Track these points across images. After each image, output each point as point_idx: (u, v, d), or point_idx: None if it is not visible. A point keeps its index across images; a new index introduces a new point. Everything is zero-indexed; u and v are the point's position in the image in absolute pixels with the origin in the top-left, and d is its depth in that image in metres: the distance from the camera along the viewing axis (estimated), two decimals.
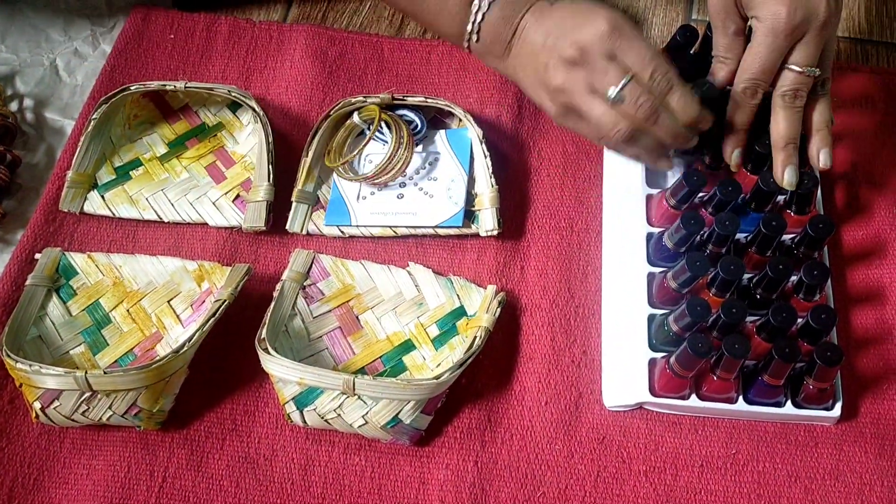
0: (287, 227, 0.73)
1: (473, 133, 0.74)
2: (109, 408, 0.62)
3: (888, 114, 0.79)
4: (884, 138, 0.77)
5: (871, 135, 0.78)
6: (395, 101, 0.75)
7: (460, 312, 0.69)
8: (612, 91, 0.61)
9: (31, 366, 0.61)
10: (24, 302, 0.68)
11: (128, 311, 0.69)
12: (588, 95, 0.62)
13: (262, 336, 0.64)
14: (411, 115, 0.75)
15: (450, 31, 0.69)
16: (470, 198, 0.74)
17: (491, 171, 0.73)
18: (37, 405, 0.62)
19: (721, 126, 0.67)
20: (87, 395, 0.61)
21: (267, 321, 0.65)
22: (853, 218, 0.74)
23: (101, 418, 0.62)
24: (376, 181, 0.73)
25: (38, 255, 0.71)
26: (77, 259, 0.71)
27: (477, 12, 0.66)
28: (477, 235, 0.72)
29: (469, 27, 0.67)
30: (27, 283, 0.69)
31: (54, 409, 0.62)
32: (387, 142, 0.73)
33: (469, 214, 0.73)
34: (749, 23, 0.64)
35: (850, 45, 0.84)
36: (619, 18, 0.62)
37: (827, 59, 0.65)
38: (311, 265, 0.71)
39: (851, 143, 0.77)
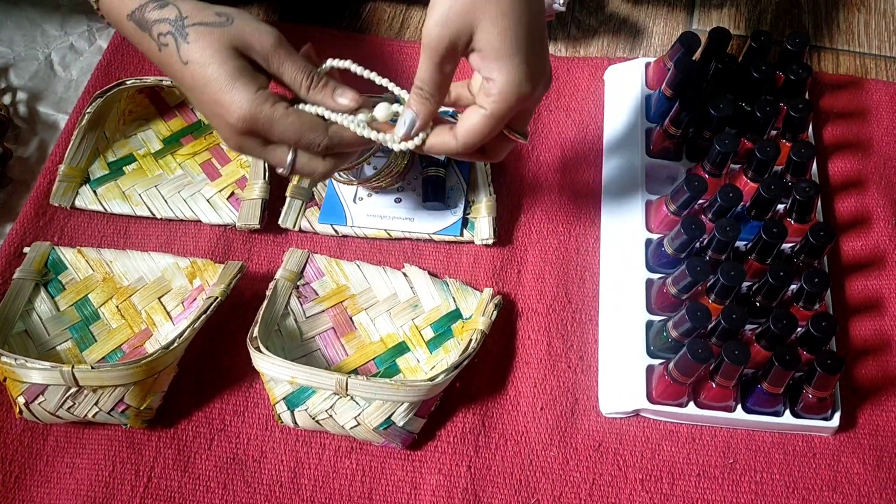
0: (280, 221, 0.72)
1: None
2: (96, 404, 0.60)
3: (888, 125, 0.79)
4: (882, 150, 0.77)
5: (871, 146, 0.78)
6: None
7: (456, 315, 0.68)
8: (283, 171, 0.56)
9: (16, 359, 0.59)
10: (10, 295, 0.66)
11: (117, 307, 0.68)
12: (264, 153, 0.56)
13: (254, 335, 0.62)
14: None
15: None
16: (467, 203, 0.73)
17: (490, 178, 0.72)
18: (21, 400, 0.60)
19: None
20: (73, 390, 0.60)
21: (259, 320, 0.64)
22: (852, 229, 0.73)
23: (86, 415, 0.61)
24: (374, 186, 0.72)
25: (26, 249, 0.69)
26: (67, 253, 0.70)
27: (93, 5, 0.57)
28: (473, 241, 0.71)
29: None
30: (14, 276, 0.67)
31: (39, 404, 0.60)
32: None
33: (465, 221, 0.72)
34: (474, 80, 0.57)
35: (851, 57, 0.84)
36: (248, 108, 0.52)
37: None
38: (305, 264, 0.70)
39: (851, 155, 0.77)
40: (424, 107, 0.54)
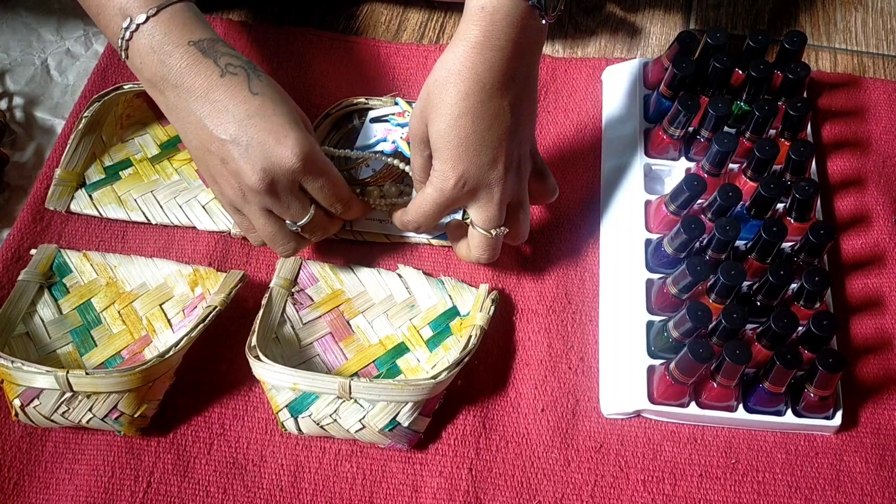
0: None
1: None
2: (90, 410, 0.60)
3: (887, 124, 0.79)
4: (881, 148, 0.77)
5: (870, 144, 0.78)
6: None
7: (453, 313, 0.68)
8: (292, 225, 0.62)
9: (12, 362, 0.59)
10: (14, 297, 0.66)
11: (119, 312, 0.68)
12: (261, 213, 0.61)
13: (253, 344, 0.62)
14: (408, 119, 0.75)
15: (109, 37, 0.61)
16: (465, 209, 0.72)
17: None
18: (16, 403, 0.60)
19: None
20: (68, 395, 0.59)
21: (256, 329, 0.63)
22: (852, 227, 0.73)
23: (80, 420, 0.60)
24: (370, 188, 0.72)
25: (33, 251, 0.69)
26: (72, 257, 0.69)
27: (126, 28, 0.58)
28: None
29: (119, 41, 0.60)
30: (20, 277, 0.67)
31: (34, 408, 0.60)
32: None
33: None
34: None
35: (848, 56, 0.84)
36: (311, 149, 0.58)
37: (521, 218, 0.64)
38: (298, 271, 0.69)
39: (850, 153, 0.77)
40: (419, 186, 0.64)
